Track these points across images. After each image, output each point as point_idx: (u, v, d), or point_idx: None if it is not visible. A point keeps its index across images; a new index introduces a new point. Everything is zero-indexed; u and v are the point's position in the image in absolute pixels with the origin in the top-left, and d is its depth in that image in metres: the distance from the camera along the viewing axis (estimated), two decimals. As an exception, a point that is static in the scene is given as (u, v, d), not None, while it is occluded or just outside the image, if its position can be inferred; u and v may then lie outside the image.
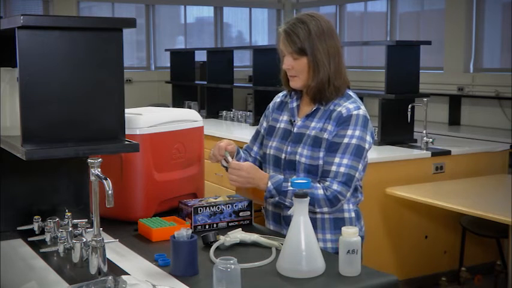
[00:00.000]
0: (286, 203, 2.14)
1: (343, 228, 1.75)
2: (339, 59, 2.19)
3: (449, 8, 6.85)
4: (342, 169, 2.11)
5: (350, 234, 1.74)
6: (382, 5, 7.98)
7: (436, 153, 4.18)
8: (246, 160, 2.35)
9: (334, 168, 2.12)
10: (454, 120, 6.53)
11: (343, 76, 2.21)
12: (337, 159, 2.12)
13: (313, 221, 2.05)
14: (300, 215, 1.75)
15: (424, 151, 4.20)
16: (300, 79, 2.20)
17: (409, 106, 4.38)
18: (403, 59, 4.45)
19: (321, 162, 2.16)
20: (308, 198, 1.75)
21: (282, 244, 1.84)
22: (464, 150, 4.35)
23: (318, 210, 2.13)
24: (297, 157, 2.20)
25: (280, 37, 2.21)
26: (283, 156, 2.25)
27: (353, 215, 2.24)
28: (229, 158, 2.19)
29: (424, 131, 4.29)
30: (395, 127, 4.47)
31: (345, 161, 2.12)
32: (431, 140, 4.28)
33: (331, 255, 1.89)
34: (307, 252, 1.72)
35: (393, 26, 7.83)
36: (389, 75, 4.42)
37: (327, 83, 2.17)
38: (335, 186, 2.10)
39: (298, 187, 1.77)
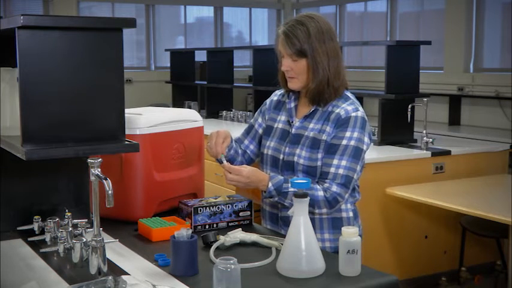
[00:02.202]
0: (286, 204, 2.14)
1: (343, 228, 1.75)
2: (338, 61, 2.19)
3: (449, 8, 6.84)
4: (341, 171, 2.11)
5: (350, 234, 1.74)
6: (382, 5, 7.97)
7: (436, 153, 4.18)
8: (236, 151, 2.35)
9: (332, 170, 2.12)
10: (454, 120, 6.52)
11: (342, 77, 2.21)
12: (335, 161, 2.12)
13: (312, 221, 2.05)
14: (300, 215, 1.74)
15: (424, 151, 4.20)
16: (299, 80, 2.20)
17: (409, 106, 4.38)
18: (403, 59, 4.45)
19: (319, 163, 2.16)
20: (308, 198, 1.75)
21: (282, 244, 1.84)
22: (464, 150, 4.34)
23: (317, 211, 2.13)
24: (295, 158, 2.20)
25: (279, 39, 2.20)
26: (281, 157, 2.25)
27: (351, 214, 2.25)
28: (225, 161, 2.19)
29: (424, 131, 4.29)
30: (395, 127, 4.47)
31: (343, 162, 2.12)
32: (431, 140, 4.28)
33: (330, 255, 1.89)
34: (307, 252, 1.72)
35: (393, 26, 7.82)
36: (389, 75, 4.41)
37: (326, 84, 2.17)
38: (334, 188, 2.10)
39: (298, 187, 1.77)
